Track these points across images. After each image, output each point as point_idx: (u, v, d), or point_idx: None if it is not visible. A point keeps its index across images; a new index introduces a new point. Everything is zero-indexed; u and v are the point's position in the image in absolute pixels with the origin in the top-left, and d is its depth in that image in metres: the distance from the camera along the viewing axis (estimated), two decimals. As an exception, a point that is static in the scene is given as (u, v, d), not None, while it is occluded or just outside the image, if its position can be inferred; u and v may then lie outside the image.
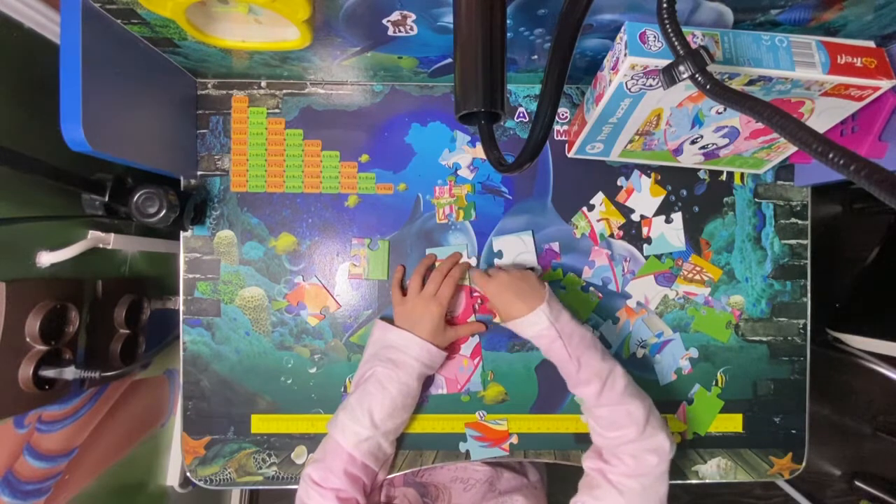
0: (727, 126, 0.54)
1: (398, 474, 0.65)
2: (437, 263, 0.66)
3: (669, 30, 0.36)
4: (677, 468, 0.68)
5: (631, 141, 0.58)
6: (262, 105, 0.67)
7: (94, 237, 0.66)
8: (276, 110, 0.67)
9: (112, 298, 0.71)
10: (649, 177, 0.67)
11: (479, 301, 0.67)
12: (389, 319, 0.65)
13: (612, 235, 0.67)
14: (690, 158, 0.62)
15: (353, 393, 0.60)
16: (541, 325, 0.57)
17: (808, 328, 0.68)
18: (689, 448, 0.68)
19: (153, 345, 0.79)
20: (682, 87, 0.41)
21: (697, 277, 0.68)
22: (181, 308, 0.67)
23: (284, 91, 0.67)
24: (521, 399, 0.67)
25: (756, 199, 0.68)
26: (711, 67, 0.38)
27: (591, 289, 0.67)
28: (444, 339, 0.63)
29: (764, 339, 0.68)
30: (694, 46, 0.36)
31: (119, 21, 0.49)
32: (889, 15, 0.44)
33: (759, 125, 0.53)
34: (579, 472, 0.61)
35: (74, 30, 0.44)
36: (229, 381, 0.67)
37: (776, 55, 0.44)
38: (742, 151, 0.60)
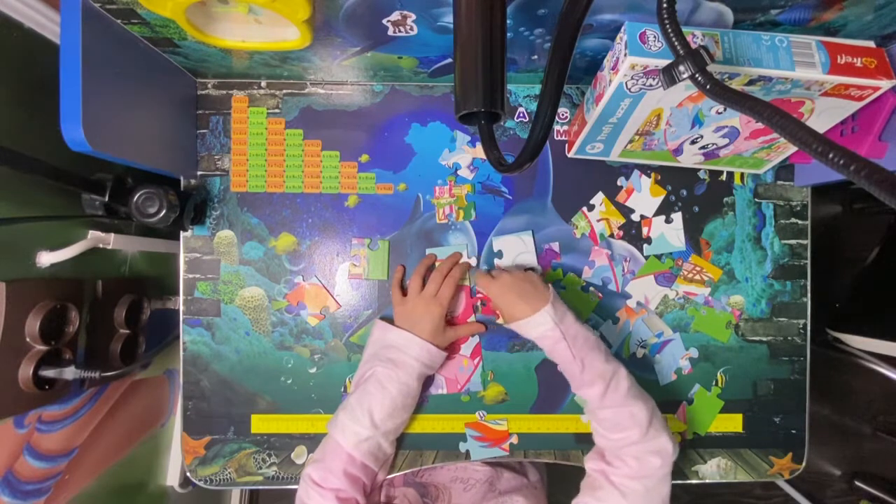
0: (727, 126, 0.54)
1: (398, 474, 0.65)
2: (437, 263, 0.66)
3: (669, 30, 0.36)
4: (677, 468, 0.67)
5: (631, 141, 0.58)
6: (262, 105, 0.67)
7: (94, 237, 0.66)
8: (276, 110, 0.67)
9: (112, 298, 0.71)
10: (649, 177, 0.67)
11: (479, 302, 0.67)
12: (389, 319, 0.65)
13: (612, 235, 0.67)
14: (690, 158, 0.62)
15: (353, 393, 0.60)
16: (545, 326, 0.57)
17: (808, 328, 0.68)
18: (689, 448, 0.68)
19: (153, 345, 0.79)
20: (682, 87, 0.41)
21: (697, 277, 0.68)
22: (181, 308, 0.67)
23: (284, 91, 0.67)
24: (521, 399, 0.67)
25: (756, 199, 0.68)
26: (711, 67, 0.38)
27: (591, 289, 0.67)
28: (444, 339, 0.63)
29: (764, 339, 0.68)
30: (694, 46, 0.36)
31: (119, 21, 0.49)
32: (889, 15, 0.44)
33: (759, 125, 0.53)
34: (579, 471, 0.61)
35: (74, 30, 0.44)
36: (229, 381, 0.67)
37: (776, 55, 0.44)
38: (742, 151, 0.60)
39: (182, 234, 0.66)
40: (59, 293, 0.61)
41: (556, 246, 0.67)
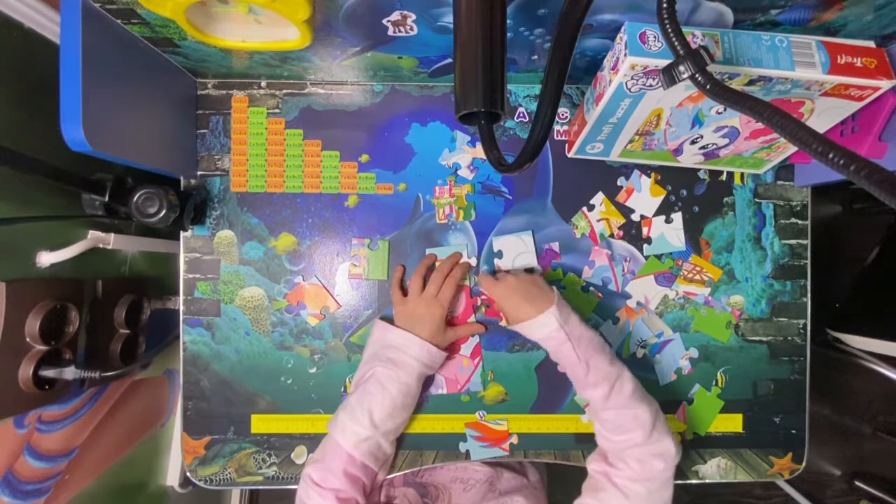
0: (727, 126, 0.54)
1: (398, 474, 0.65)
2: (437, 264, 0.66)
3: (669, 30, 0.36)
4: (677, 468, 0.67)
5: (631, 141, 0.58)
6: (262, 105, 0.67)
7: (94, 237, 0.66)
8: (276, 110, 0.67)
9: (112, 298, 0.71)
10: (649, 177, 0.67)
11: (479, 301, 0.67)
12: (389, 319, 0.65)
13: (612, 235, 0.67)
14: (690, 158, 0.62)
15: (353, 393, 0.60)
16: (550, 328, 0.57)
17: (808, 328, 0.68)
18: (689, 448, 0.68)
19: (153, 345, 0.79)
20: (682, 87, 0.41)
21: (697, 277, 0.68)
22: (181, 308, 0.67)
23: (284, 91, 0.67)
24: (521, 399, 0.67)
25: (756, 199, 0.68)
26: (711, 67, 0.38)
27: (591, 289, 0.67)
28: (445, 339, 0.63)
29: (764, 339, 0.68)
30: (694, 46, 0.36)
31: (119, 21, 0.49)
32: (889, 15, 0.44)
33: (759, 125, 0.53)
34: (579, 472, 0.61)
35: (74, 30, 0.44)
36: (229, 381, 0.67)
37: (776, 55, 0.44)
38: (742, 151, 0.60)
39: (182, 234, 0.66)
40: (59, 293, 0.61)
41: (556, 246, 0.67)
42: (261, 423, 0.67)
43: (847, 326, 0.94)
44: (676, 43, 0.36)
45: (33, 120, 0.56)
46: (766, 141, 0.57)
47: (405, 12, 0.46)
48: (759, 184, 0.68)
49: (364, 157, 0.67)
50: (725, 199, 0.68)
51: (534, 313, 0.57)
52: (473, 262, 0.67)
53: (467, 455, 0.66)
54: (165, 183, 0.60)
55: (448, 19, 0.47)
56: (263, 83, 0.66)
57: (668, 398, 0.67)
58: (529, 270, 0.67)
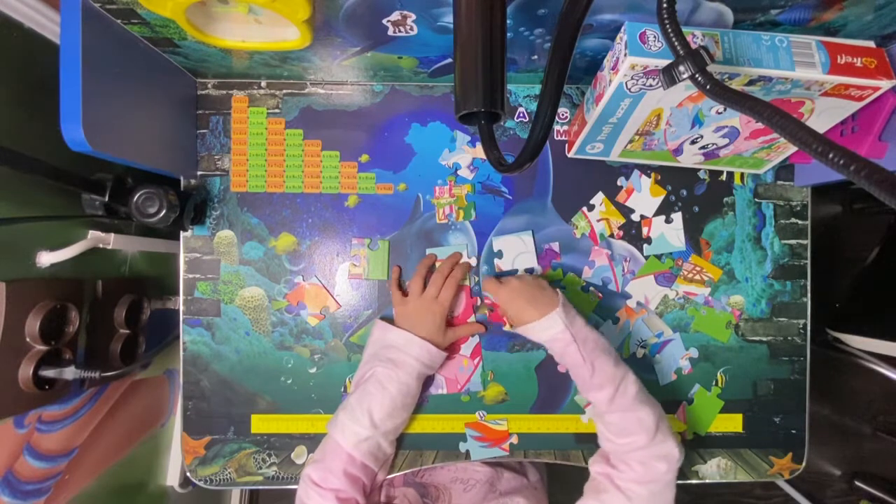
0: (727, 126, 0.54)
1: (398, 474, 0.65)
2: (437, 264, 0.66)
3: (669, 30, 0.36)
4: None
5: (631, 141, 0.58)
6: (262, 105, 0.67)
7: (94, 237, 0.66)
8: (276, 110, 0.67)
9: (112, 298, 0.71)
10: (649, 177, 0.67)
11: (479, 301, 0.67)
12: (389, 319, 0.65)
13: (612, 235, 0.67)
14: (690, 158, 0.62)
15: (352, 393, 0.60)
16: (556, 329, 0.56)
17: (808, 328, 0.68)
18: (689, 448, 0.68)
19: (153, 345, 0.79)
20: (682, 87, 0.41)
21: (697, 277, 0.68)
22: (181, 308, 0.67)
23: (284, 91, 0.67)
24: (521, 399, 0.67)
25: (756, 199, 0.68)
26: (711, 67, 0.38)
27: (591, 289, 0.67)
28: (445, 339, 0.63)
29: (764, 339, 0.68)
30: (694, 46, 0.36)
31: (119, 21, 0.49)
32: (889, 15, 0.44)
33: (759, 125, 0.53)
34: (579, 472, 0.61)
35: (74, 30, 0.44)
36: (229, 381, 0.67)
37: (776, 55, 0.44)
38: (742, 151, 0.60)
39: (182, 234, 0.66)
40: (59, 293, 0.61)
41: (556, 246, 0.67)
42: (261, 423, 0.67)
43: (847, 326, 0.94)
44: (676, 43, 0.36)
45: (33, 120, 0.56)
46: (766, 141, 0.57)
47: (405, 12, 0.46)
48: (759, 184, 0.68)
49: (364, 157, 0.67)
50: (725, 199, 0.68)
51: (539, 315, 0.57)
52: (473, 262, 0.67)
53: (467, 455, 0.66)
54: (165, 183, 0.60)
55: (448, 19, 0.47)
56: (263, 83, 0.66)
57: (668, 398, 0.67)
58: (528, 271, 0.67)
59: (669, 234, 0.67)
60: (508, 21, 0.43)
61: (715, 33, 0.44)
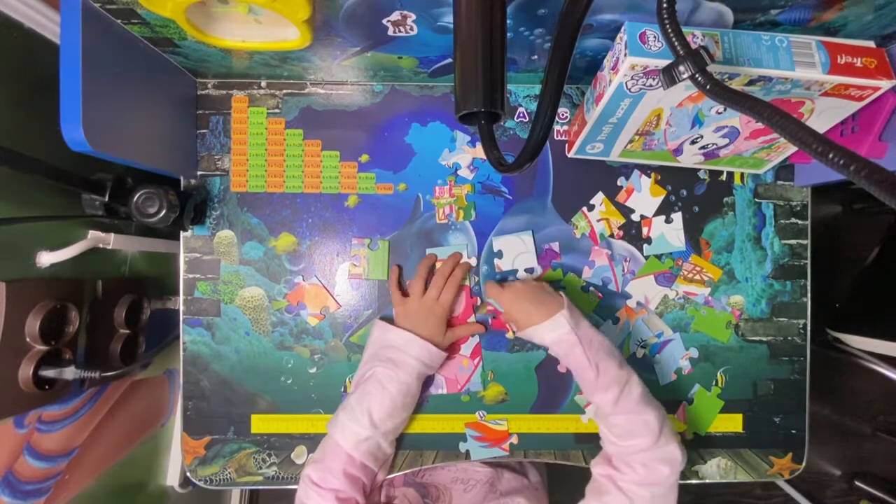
0: (727, 126, 0.54)
1: (398, 474, 0.65)
2: (437, 264, 0.66)
3: (669, 30, 0.36)
4: (677, 468, 0.68)
5: (631, 141, 0.58)
6: (262, 105, 0.67)
7: (94, 237, 0.66)
8: (276, 110, 0.67)
9: (112, 298, 0.71)
10: (649, 177, 0.67)
11: (479, 301, 0.67)
12: (389, 319, 0.65)
13: (612, 235, 0.67)
14: (690, 158, 0.62)
15: (352, 393, 0.60)
16: (562, 331, 0.56)
17: (808, 328, 0.68)
18: (689, 448, 0.67)
19: (153, 345, 0.79)
20: (682, 87, 0.41)
21: (697, 277, 0.68)
22: (181, 308, 0.67)
23: (284, 91, 0.67)
24: (521, 399, 0.67)
25: (756, 199, 0.68)
26: (711, 67, 0.38)
27: (591, 289, 0.67)
28: (445, 339, 0.63)
29: (764, 339, 0.68)
30: (694, 46, 0.36)
31: (119, 21, 0.49)
32: (889, 15, 0.44)
33: (759, 125, 0.53)
34: (580, 472, 0.61)
35: (74, 30, 0.44)
36: (229, 381, 0.67)
37: (776, 55, 0.44)
38: (742, 151, 0.60)
39: (182, 234, 0.66)
40: (59, 293, 0.61)
41: (556, 246, 0.67)
42: (261, 423, 0.67)
43: (847, 326, 0.94)
44: (676, 43, 0.36)
45: (33, 120, 0.56)
46: (766, 141, 0.57)
47: (405, 12, 0.46)
48: (759, 184, 0.68)
49: (364, 157, 0.67)
50: (725, 199, 0.68)
51: (544, 317, 0.57)
52: (473, 262, 0.67)
53: (467, 455, 0.66)
54: (165, 183, 0.60)
55: (448, 19, 0.47)
56: (263, 83, 0.66)
57: (668, 398, 0.67)
58: (528, 271, 0.67)
59: (669, 234, 0.67)
60: (508, 21, 0.43)
61: (715, 33, 0.44)
